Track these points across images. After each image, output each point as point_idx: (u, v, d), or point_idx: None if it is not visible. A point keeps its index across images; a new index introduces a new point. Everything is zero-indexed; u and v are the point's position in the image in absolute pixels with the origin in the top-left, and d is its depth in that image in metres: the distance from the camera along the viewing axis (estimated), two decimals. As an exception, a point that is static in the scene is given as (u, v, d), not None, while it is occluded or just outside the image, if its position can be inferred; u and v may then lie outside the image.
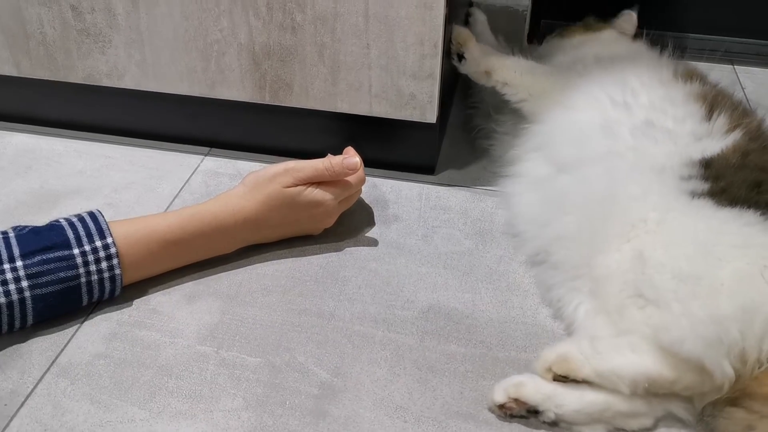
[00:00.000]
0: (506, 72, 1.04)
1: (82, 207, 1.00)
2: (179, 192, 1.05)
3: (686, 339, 0.67)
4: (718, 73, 1.42)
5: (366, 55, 0.98)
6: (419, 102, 1.00)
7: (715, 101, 0.89)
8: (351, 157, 0.90)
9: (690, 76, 0.95)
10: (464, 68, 1.08)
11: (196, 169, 1.10)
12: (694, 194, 0.77)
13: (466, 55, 1.07)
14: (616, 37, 1.18)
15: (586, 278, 0.80)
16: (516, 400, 0.72)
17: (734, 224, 0.73)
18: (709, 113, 0.87)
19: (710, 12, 1.46)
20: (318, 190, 0.89)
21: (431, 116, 1.01)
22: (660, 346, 0.69)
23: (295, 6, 0.96)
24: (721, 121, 0.86)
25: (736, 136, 0.84)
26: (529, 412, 0.72)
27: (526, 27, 1.46)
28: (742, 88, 1.37)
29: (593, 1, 1.46)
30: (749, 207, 0.74)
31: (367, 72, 0.99)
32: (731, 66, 1.45)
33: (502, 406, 0.72)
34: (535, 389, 0.72)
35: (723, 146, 0.83)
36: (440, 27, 0.94)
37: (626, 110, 0.90)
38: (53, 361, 0.78)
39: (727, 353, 0.66)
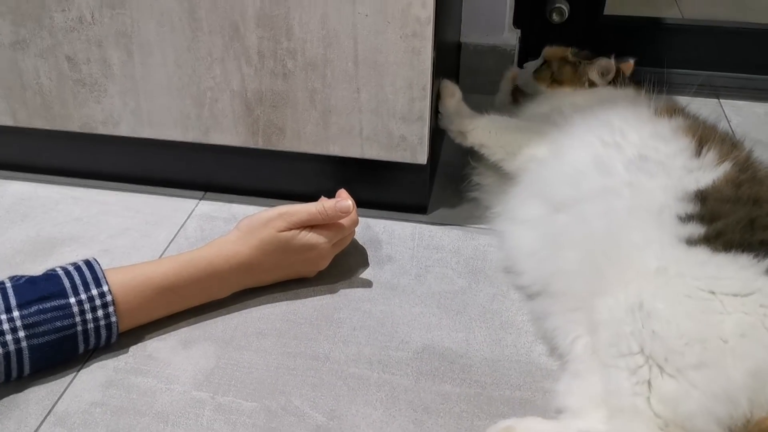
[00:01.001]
0: (480, 133, 1.05)
1: (78, 254, 1.01)
2: (174, 237, 1.06)
3: (697, 414, 0.67)
4: (704, 106, 1.44)
5: (356, 100, 1.00)
6: (410, 144, 1.02)
7: (703, 134, 0.90)
8: (343, 200, 0.92)
9: (672, 111, 0.97)
10: (442, 125, 1.09)
11: (191, 213, 1.12)
12: (691, 241, 0.77)
13: (441, 111, 1.09)
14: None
15: (586, 311, 0.80)
16: None
17: (730, 269, 0.74)
18: (699, 146, 0.88)
19: (695, 47, 1.49)
20: (311, 233, 0.91)
21: (422, 158, 1.03)
22: (663, 415, 0.69)
23: (286, 53, 0.99)
24: (711, 153, 0.87)
25: (726, 167, 0.85)
26: None
27: (513, 65, 1.49)
28: (728, 121, 1.40)
29: (580, 40, 1.50)
30: (745, 250, 0.74)
31: (358, 116, 1.01)
32: (716, 99, 1.47)
33: None
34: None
35: (715, 177, 0.84)
36: (428, 71, 0.96)
37: (617, 148, 0.91)
38: (50, 411, 0.78)
39: (733, 420, 0.67)
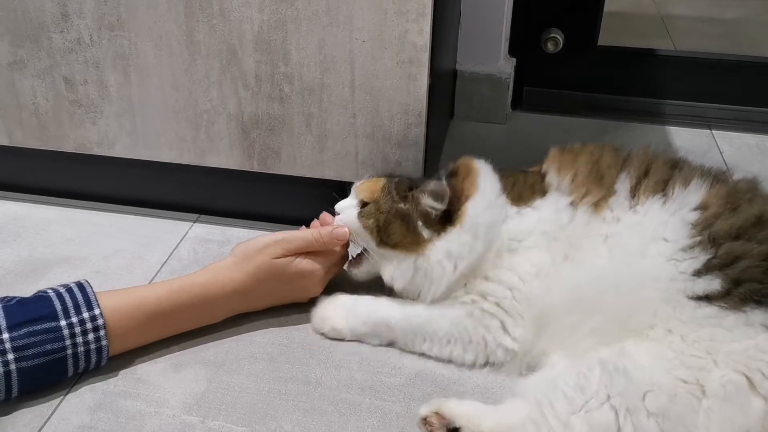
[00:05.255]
0: None
1: (70, 275, 1.00)
2: (167, 259, 1.06)
3: None
4: (696, 137, 1.46)
5: (352, 125, 1.01)
6: (405, 169, 1.02)
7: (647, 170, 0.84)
8: (340, 227, 0.91)
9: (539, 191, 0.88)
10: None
11: (185, 236, 1.11)
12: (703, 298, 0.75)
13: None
14: None
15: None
16: (437, 414, 0.76)
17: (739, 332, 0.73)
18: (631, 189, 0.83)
19: (687, 79, 1.51)
20: (306, 260, 0.90)
21: (417, 183, 1.03)
22: None
23: (283, 78, 0.99)
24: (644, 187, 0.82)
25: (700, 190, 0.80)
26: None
27: (509, 95, 1.50)
28: (720, 152, 1.41)
29: (575, 69, 1.52)
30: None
31: (354, 140, 1.02)
32: (708, 130, 1.49)
33: (424, 420, 0.77)
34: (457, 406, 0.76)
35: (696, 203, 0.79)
36: (424, 97, 0.97)
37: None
38: (37, 434, 0.77)
39: None
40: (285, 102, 1.01)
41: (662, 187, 0.82)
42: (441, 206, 0.86)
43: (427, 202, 0.86)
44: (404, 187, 0.89)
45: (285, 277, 0.90)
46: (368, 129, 1.01)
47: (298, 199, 1.10)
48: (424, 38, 0.93)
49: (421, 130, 0.99)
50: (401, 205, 0.88)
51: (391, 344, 0.90)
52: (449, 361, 0.87)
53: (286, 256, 0.89)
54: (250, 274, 0.89)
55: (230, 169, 1.08)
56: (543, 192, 0.87)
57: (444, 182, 0.87)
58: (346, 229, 0.91)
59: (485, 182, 0.88)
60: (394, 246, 0.87)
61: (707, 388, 0.70)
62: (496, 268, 0.85)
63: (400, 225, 0.87)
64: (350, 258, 0.95)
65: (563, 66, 1.51)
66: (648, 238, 0.79)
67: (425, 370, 0.87)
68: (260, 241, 0.90)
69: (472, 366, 0.86)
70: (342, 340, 0.90)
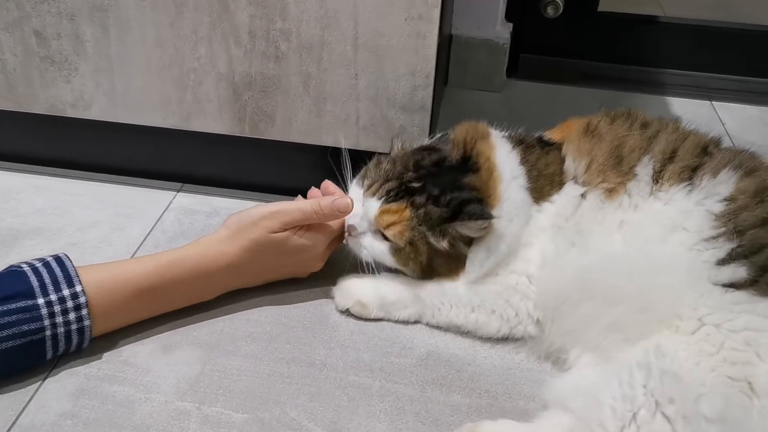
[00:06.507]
0: None
1: (43, 248, 0.92)
2: (150, 231, 0.97)
3: None
4: (698, 108, 1.42)
5: (354, 86, 0.93)
6: (409, 135, 0.95)
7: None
8: (341, 197, 0.84)
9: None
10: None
11: (168, 206, 1.03)
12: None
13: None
14: None
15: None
16: None
17: None
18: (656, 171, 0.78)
19: (688, 48, 1.46)
20: (306, 234, 0.83)
21: (422, 150, 0.96)
22: None
23: (280, 34, 0.91)
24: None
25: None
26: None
27: (506, 61, 1.44)
28: (722, 123, 1.37)
29: (574, 36, 1.46)
30: None
31: (355, 103, 0.94)
32: (709, 102, 1.44)
33: None
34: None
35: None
36: (433, 57, 0.90)
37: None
38: (13, 422, 0.69)
39: None
40: (281, 61, 0.93)
41: (689, 175, 0.76)
42: (485, 232, 0.79)
43: (469, 233, 0.79)
44: (437, 219, 0.79)
45: (283, 253, 0.83)
46: (371, 91, 0.93)
47: (292, 166, 1.03)
48: (436, -8, 0.86)
49: (429, 92, 0.93)
50: (443, 244, 0.79)
51: (417, 320, 0.84)
52: (470, 333, 0.82)
53: (284, 230, 0.82)
54: (245, 248, 0.81)
55: (218, 134, 1.00)
56: (561, 184, 0.81)
57: (481, 207, 0.78)
58: (349, 200, 0.84)
59: (510, 189, 0.80)
60: (438, 276, 0.83)
61: (755, 384, 0.64)
62: (514, 260, 0.81)
63: (445, 260, 0.81)
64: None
65: (562, 32, 1.45)
66: (668, 227, 0.74)
67: (437, 350, 0.81)
68: (255, 212, 0.82)
69: (496, 336, 0.81)
70: (365, 319, 0.84)
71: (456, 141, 0.83)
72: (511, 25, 1.41)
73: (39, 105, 1.01)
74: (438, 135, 0.88)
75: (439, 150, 0.84)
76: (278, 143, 1.00)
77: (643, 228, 0.75)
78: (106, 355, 0.77)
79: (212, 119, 0.99)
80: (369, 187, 0.83)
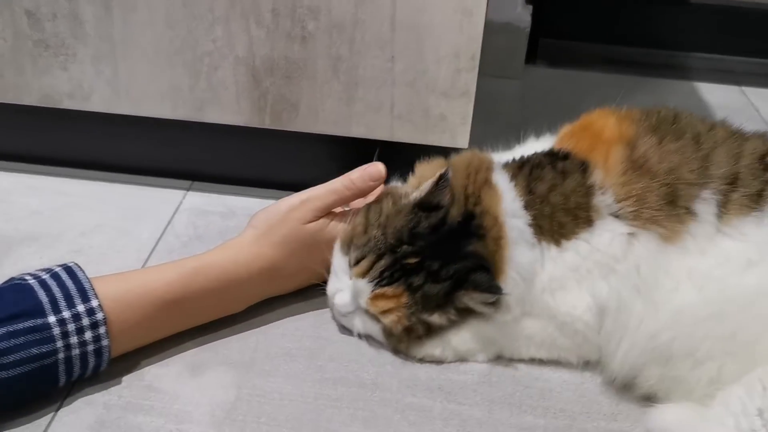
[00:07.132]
0: None
1: (43, 256, 0.82)
2: (162, 235, 0.88)
3: None
4: (728, 94, 1.35)
5: (390, 70, 0.84)
6: (450, 124, 0.87)
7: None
8: (371, 165, 0.75)
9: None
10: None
11: (179, 207, 0.93)
12: None
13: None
14: None
15: None
16: None
17: None
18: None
19: (716, 31, 1.40)
20: (345, 219, 0.75)
21: (463, 141, 0.88)
22: None
23: (307, 12, 0.82)
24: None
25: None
26: None
27: (525, 45, 1.36)
28: (756, 110, 1.30)
29: (597, 18, 1.39)
30: None
31: (390, 89, 0.85)
32: (738, 87, 1.38)
33: None
34: None
35: None
36: (479, 36, 0.82)
37: None
38: (23, 465, 0.59)
39: None
40: (308, 42, 0.84)
41: (756, 201, 0.68)
42: (490, 309, 0.70)
43: (474, 305, 0.69)
44: (436, 297, 0.68)
45: (319, 246, 0.74)
46: (408, 75, 0.84)
47: (317, 161, 0.94)
48: (485, -37, 0.77)
49: (473, 76, 0.84)
50: (442, 320, 0.70)
51: (498, 356, 0.74)
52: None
53: (319, 217, 0.74)
54: (279, 246, 0.73)
55: (235, 126, 0.90)
56: (589, 220, 0.70)
57: (489, 278, 0.68)
58: (380, 166, 0.75)
59: (516, 257, 0.69)
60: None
61: None
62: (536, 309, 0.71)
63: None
64: None
65: (583, 15, 1.37)
66: (744, 262, 0.67)
67: (500, 364, 0.72)
68: (283, 205, 0.74)
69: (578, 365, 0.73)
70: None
71: (456, 193, 0.71)
72: (531, 7, 1.33)
73: (31, 95, 0.91)
74: (435, 178, 0.70)
75: (437, 207, 0.70)
76: (302, 135, 0.91)
77: (718, 270, 0.67)
78: (126, 379, 0.67)
79: (228, 109, 0.89)
80: (357, 261, 0.70)
